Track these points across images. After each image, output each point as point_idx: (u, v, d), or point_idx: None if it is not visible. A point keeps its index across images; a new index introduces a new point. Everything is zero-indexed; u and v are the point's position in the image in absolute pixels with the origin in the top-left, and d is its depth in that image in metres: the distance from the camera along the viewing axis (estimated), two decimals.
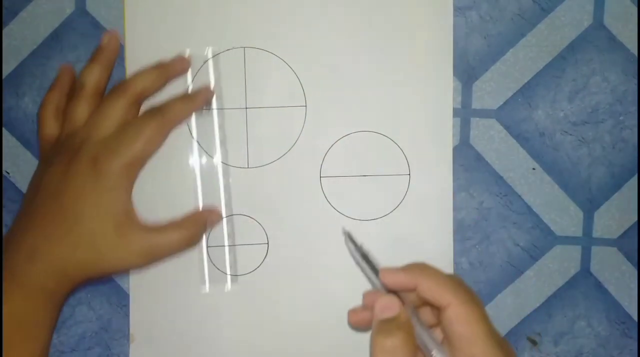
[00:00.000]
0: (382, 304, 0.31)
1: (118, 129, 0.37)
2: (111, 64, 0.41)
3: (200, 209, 0.41)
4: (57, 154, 0.38)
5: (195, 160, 0.42)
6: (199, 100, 0.41)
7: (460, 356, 0.30)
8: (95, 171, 0.36)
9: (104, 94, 0.40)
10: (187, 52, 0.41)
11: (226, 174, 0.42)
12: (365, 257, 0.35)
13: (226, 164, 0.42)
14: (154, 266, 0.39)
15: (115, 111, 0.38)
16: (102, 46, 0.41)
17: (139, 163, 0.38)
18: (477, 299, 0.31)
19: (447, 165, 0.42)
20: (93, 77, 0.39)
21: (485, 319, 0.30)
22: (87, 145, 0.37)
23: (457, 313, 0.30)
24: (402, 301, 0.32)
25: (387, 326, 0.30)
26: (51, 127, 0.39)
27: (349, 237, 0.37)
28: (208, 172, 0.42)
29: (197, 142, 0.42)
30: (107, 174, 0.36)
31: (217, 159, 0.42)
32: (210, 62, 0.42)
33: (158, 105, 0.39)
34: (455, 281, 0.32)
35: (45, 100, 0.40)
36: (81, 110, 0.39)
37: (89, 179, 0.36)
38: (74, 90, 0.40)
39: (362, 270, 0.35)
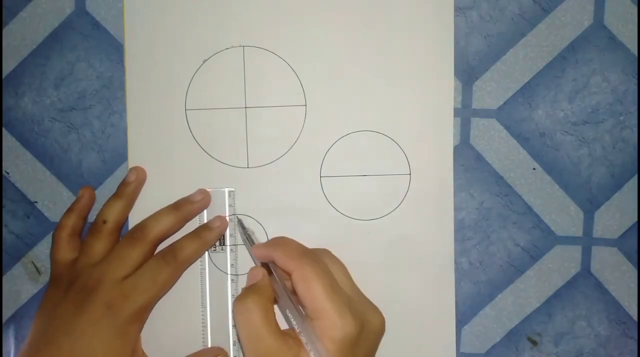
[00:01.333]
0: (251, 274, 0.36)
1: (133, 272, 0.38)
2: (134, 198, 0.41)
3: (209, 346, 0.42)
4: (71, 286, 0.38)
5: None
6: (213, 237, 0.41)
7: (310, 313, 0.33)
8: (109, 316, 0.37)
9: (122, 230, 0.41)
10: (209, 189, 0.42)
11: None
12: (249, 237, 0.39)
13: (226, 164, 0.42)
14: None
15: (132, 258, 0.38)
16: (128, 181, 0.41)
17: (151, 306, 0.39)
18: (318, 263, 0.34)
19: (448, 165, 0.41)
20: (115, 214, 0.40)
21: (323, 278, 0.33)
22: (102, 287, 0.37)
23: (298, 275, 0.34)
24: (271, 272, 0.36)
25: (244, 291, 0.35)
26: (65, 251, 0.40)
27: (239, 223, 0.41)
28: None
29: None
30: (120, 319, 0.37)
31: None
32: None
33: (170, 247, 0.40)
34: (301, 250, 0.36)
35: (62, 223, 0.40)
36: (99, 246, 0.39)
37: (102, 322, 0.37)
38: (90, 208, 0.42)
39: (248, 251, 0.40)
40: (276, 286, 0.35)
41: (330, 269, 0.35)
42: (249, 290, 0.35)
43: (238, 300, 0.34)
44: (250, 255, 0.40)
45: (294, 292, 0.35)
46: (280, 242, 0.37)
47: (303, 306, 0.34)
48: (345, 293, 0.34)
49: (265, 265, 0.37)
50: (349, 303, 0.34)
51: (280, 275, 0.36)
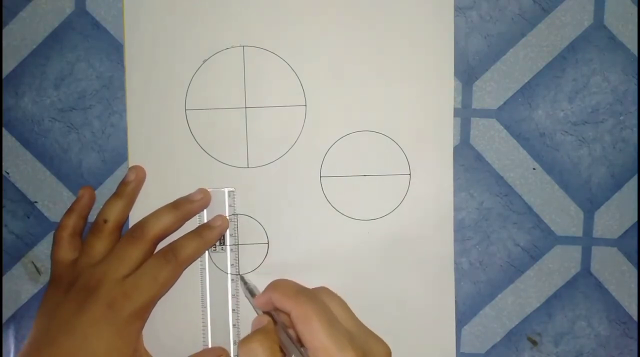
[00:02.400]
0: (255, 322, 0.36)
1: (134, 271, 0.38)
2: (135, 197, 0.41)
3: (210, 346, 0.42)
4: (72, 286, 0.38)
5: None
6: (214, 236, 0.41)
7: (311, 353, 0.32)
8: (110, 315, 0.37)
9: (122, 229, 0.41)
10: (209, 188, 0.42)
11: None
12: (251, 292, 0.39)
13: (226, 164, 0.42)
14: None
15: (132, 256, 0.38)
16: (127, 181, 0.41)
17: (152, 305, 0.39)
18: (315, 300, 0.34)
19: (448, 165, 0.41)
20: (115, 214, 0.40)
21: (320, 315, 0.33)
22: (103, 286, 0.37)
23: (296, 315, 0.33)
24: (275, 320, 0.35)
25: (249, 335, 0.34)
26: (66, 251, 0.40)
27: (242, 279, 0.41)
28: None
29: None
30: (122, 318, 0.37)
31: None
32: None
33: (171, 245, 0.40)
34: (297, 288, 0.35)
35: (63, 223, 0.41)
36: (101, 245, 0.39)
37: (103, 322, 0.37)
38: (90, 208, 0.42)
39: (251, 304, 0.40)
40: (280, 333, 0.35)
41: (329, 305, 0.35)
42: (254, 333, 0.34)
43: (243, 342, 0.33)
44: (253, 307, 0.39)
45: (298, 339, 0.34)
46: (276, 284, 0.36)
47: (304, 346, 0.33)
48: (344, 328, 0.34)
49: (269, 314, 0.36)
50: (350, 337, 0.33)
51: (282, 323, 0.35)
